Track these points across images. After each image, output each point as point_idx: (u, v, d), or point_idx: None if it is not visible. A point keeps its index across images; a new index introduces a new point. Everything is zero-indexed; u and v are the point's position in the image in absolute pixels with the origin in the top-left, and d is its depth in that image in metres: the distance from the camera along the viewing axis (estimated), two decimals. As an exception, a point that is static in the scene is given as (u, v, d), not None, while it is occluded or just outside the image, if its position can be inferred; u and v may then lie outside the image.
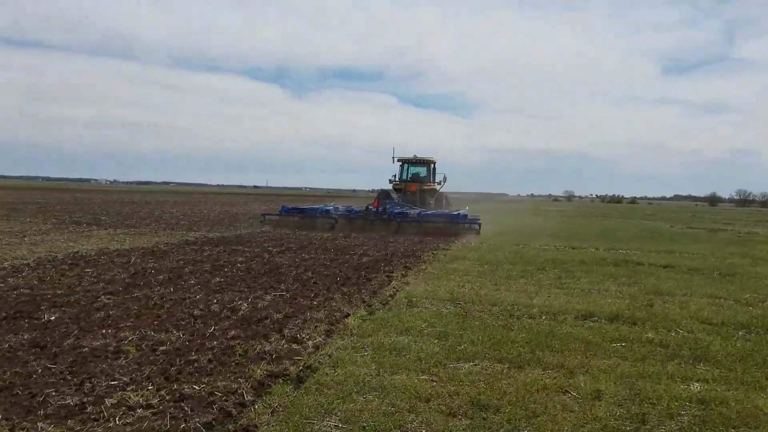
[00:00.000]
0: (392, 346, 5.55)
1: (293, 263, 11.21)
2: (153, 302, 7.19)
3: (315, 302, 7.46)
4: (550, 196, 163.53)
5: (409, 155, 27.70)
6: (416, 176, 27.71)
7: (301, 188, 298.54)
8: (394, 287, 8.84)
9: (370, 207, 21.87)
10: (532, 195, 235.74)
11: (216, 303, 7.26)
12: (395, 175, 27.88)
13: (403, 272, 10.46)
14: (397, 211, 21.53)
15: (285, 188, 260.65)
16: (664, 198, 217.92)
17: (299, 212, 22.28)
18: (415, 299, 7.91)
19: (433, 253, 13.74)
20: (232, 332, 5.83)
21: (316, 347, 5.48)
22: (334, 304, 7.41)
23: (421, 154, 27.57)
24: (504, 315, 7.17)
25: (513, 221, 31.03)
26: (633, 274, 11.15)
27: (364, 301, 7.64)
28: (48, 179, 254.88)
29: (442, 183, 27.74)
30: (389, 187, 27.27)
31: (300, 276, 9.60)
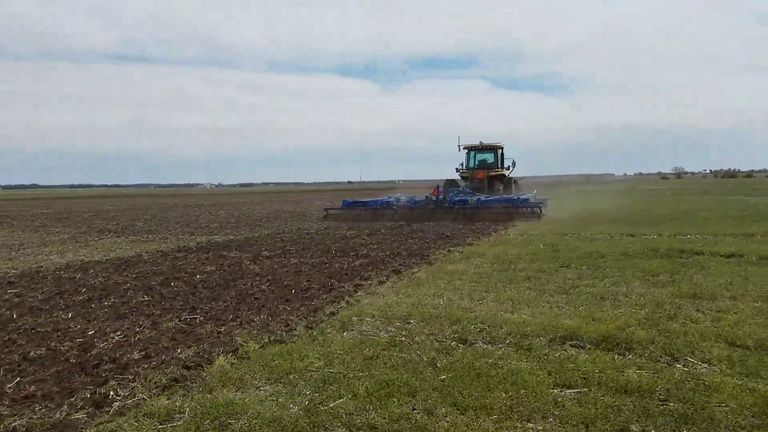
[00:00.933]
0: (225, 410, 4.00)
1: (265, 271, 9.87)
2: (8, 337, 6.04)
3: (220, 329, 6.08)
4: (659, 174, 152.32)
5: (475, 142, 27.37)
6: (483, 163, 27.47)
7: (395, 181, 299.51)
8: (348, 301, 7.28)
9: (430, 196, 21.76)
10: (640, 174, 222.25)
11: (90, 334, 6.02)
12: (462, 164, 27.64)
13: (384, 278, 8.85)
14: (457, 198, 21.40)
15: (378, 182, 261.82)
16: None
17: (361, 205, 22.74)
18: (357, 318, 6.35)
19: (449, 250, 11.99)
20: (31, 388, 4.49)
21: (120, 412, 4.04)
22: (240, 330, 6.00)
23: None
24: (449, 341, 5.45)
25: (589, 205, 28.14)
26: (681, 268, 8.91)
27: (287, 324, 6.17)
28: (159, 186, 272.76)
29: (511, 168, 27.12)
30: (456, 176, 27.33)
31: (249, 289, 8.24)
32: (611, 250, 11.05)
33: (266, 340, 5.61)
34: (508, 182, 26.28)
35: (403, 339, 5.54)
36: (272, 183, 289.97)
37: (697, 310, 6.29)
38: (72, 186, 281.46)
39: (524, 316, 6.22)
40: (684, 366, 4.58)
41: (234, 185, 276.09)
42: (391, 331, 5.85)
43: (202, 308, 7.12)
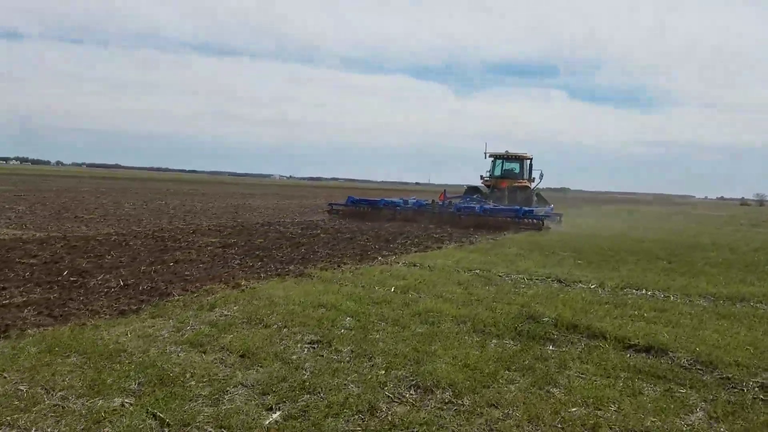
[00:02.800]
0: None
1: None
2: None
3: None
4: (742, 199, 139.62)
5: (501, 150, 27.36)
6: (509, 172, 27.25)
7: (462, 185, 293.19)
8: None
9: (436, 201, 22.23)
10: (722, 198, 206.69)
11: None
12: (489, 171, 27.49)
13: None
14: (462, 205, 21.85)
15: (446, 184, 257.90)
16: None
17: (365, 203, 22.97)
18: None
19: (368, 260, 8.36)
20: None
21: None
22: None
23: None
24: None
25: (605, 225, 25.14)
26: (535, 364, 4.96)
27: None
28: (233, 174, 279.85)
29: (538, 180, 26.98)
30: (479, 183, 27.21)
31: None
32: (461, 312, 7.01)
33: None
34: (529, 194, 25.76)
35: None
36: (342, 178, 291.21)
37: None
38: (151, 168, 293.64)
39: None
40: None
41: (304, 178, 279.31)
42: None
43: None
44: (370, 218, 21.05)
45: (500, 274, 9.79)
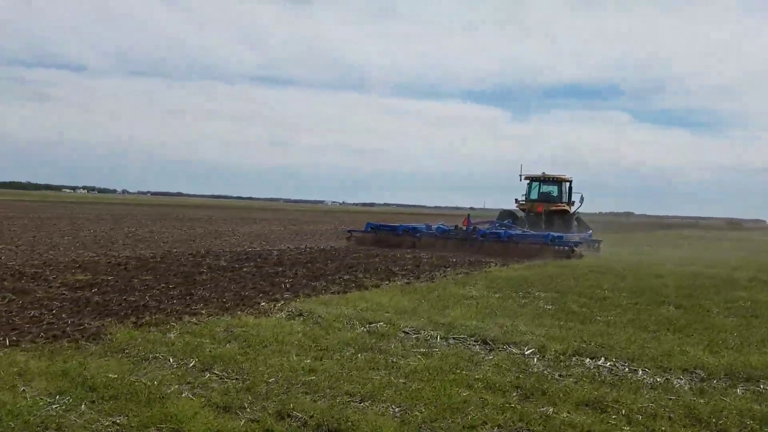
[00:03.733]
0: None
1: None
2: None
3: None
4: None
5: (538, 173, 25.80)
6: (547, 196, 25.64)
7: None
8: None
9: (460, 226, 21.10)
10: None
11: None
12: (524, 195, 25.92)
13: None
14: (487, 231, 20.60)
15: (501, 208, 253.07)
16: None
17: (386, 229, 21.97)
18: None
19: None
20: None
21: None
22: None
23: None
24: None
25: (646, 252, 23.19)
26: None
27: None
28: (288, 201, 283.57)
29: (579, 203, 25.33)
30: (514, 207, 25.94)
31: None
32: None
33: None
34: (568, 219, 24.27)
35: None
36: (393, 204, 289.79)
37: None
38: (210, 196, 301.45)
39: None
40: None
41: (356, 204, 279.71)
42: None
43: None
44: (389, 244, 19.81)
45: (407, 329, 7.11)
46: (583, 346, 6.60)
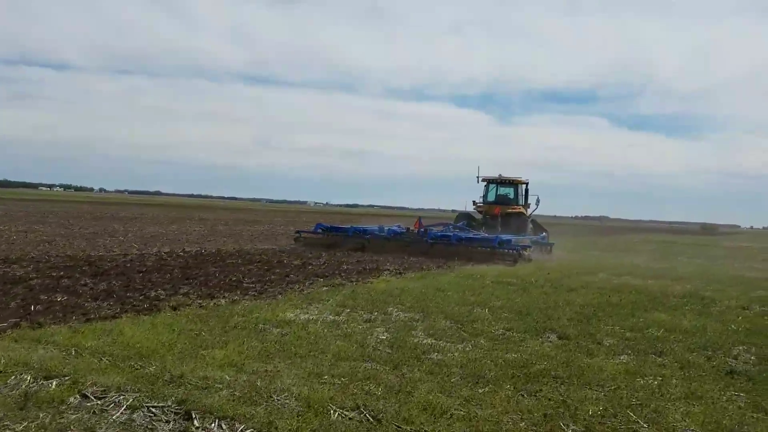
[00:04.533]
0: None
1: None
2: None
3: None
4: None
5: (494, 175, 25.36)
6: (503, 198, 25.38)
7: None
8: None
9: (411, 228, 20.69)
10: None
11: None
12: (482, 197, 25.52)
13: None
14: (438, 233, 20.17)
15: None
16: None
17: (334, 231, 21.27)
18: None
19: None
20: None
21: None
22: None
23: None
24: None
25: (595, 257, 22.37)
26: None
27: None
28: (270, 201, 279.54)
29: (534, 206, 24.90)
30: (472, 209, 25.62)
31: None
32: None
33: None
34: (523, 221, 23.92)
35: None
36: (377, 205, 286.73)
37: None
38: (191, 195, 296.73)
39: None
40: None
41: (339, 205, 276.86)
42: None
43: None
44: (339, 247, 19.07)
45: (97, 388, 4.59)
46: (347, 415, 4.12)
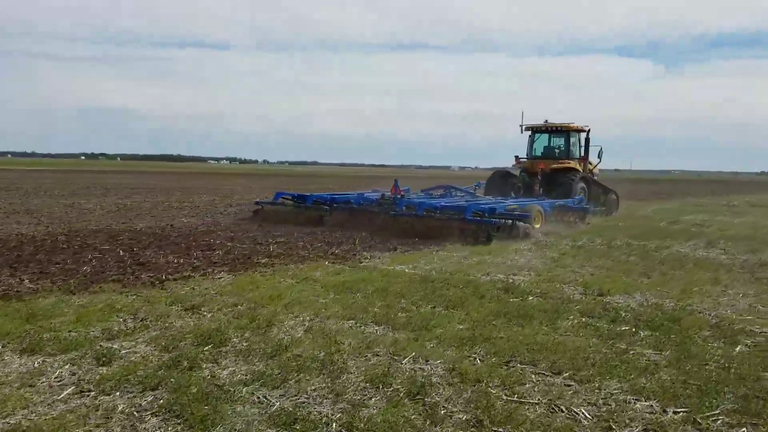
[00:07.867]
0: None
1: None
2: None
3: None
4: None
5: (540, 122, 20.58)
6: (550, 151, 20.68)
7: (670, 171, 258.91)
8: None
9: (387, 195, 16.38)
10: None
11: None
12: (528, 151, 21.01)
13: None
14: (407, 202, 15.49)
15: (651, 171, 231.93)
16: None
17: (292, 199, 17.31)
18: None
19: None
20: None
21: None
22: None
23: None
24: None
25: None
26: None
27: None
28: (420, 167, 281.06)
29: (597, 160, 20.16)
30: (513, 165, 21.15)
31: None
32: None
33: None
34: (571, 180, 18.52)
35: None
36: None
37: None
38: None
39: None
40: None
41: (486, 168, 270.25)
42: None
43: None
44: (296, 222, 15.45)
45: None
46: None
